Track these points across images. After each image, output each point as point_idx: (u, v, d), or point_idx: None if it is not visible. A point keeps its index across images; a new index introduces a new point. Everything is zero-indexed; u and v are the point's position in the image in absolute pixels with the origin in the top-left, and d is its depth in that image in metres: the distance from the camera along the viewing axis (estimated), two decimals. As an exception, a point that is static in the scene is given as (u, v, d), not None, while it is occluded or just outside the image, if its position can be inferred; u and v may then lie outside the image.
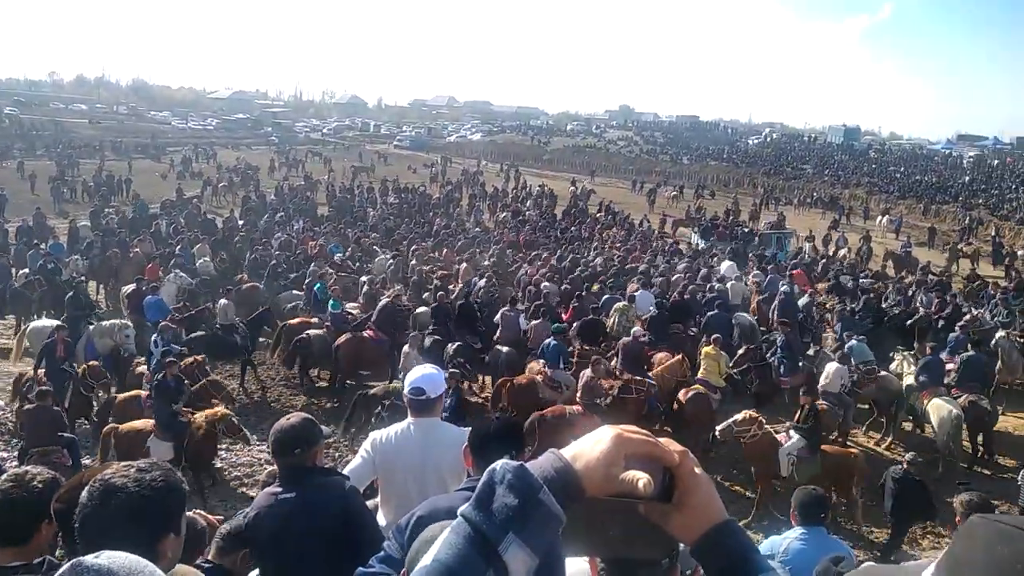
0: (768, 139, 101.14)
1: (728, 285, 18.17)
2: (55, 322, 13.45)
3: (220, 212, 32.51)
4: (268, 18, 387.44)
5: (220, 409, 10.13)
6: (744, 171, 61.34)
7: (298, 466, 3.48)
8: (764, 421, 10.09)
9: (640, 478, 0.99)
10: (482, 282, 17.41)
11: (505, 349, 13.17)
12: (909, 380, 12.54)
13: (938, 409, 11.28)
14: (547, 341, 12.61)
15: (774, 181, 54.40)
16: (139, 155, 53.92)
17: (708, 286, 17.96)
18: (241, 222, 27.27)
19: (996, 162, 73.07)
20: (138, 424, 9.97)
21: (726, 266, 20.96)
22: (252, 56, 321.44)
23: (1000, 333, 14.83)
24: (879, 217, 38.50)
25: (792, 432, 9.88)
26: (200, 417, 9.82)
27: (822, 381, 11.94)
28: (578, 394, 10.86)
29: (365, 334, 13.74)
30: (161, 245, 22.25)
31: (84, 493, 2.01)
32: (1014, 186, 53.28)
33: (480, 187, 43.86)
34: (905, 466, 8.76)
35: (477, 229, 28.40)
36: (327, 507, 3.41)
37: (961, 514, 4.65)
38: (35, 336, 13.54)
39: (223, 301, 14.60)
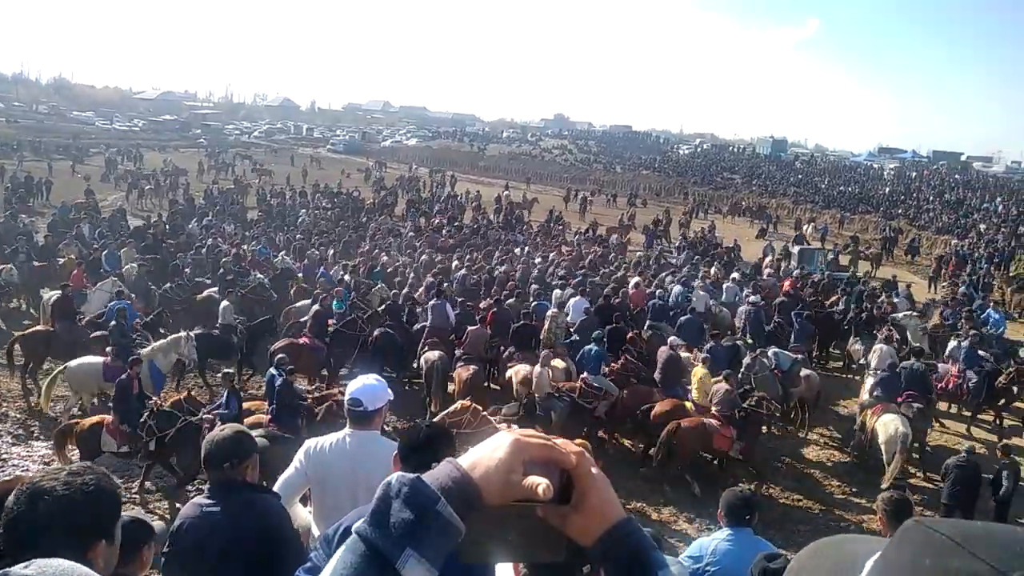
0: (699, 149, 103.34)
1: (694, 295, 18.35)
2: (98, 359, 12.07)
3: (146, 216, 31.58)
4: (198, 17, 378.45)
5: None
6: (675, 180, 62.55)
7: (227, 480, 3.40)
8: (480, 409, 10.29)
9: (539, 483, 0.98)
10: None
11: (436, 355, 13.08)
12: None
13: (886, 427, 11.46)
14: (587, 348, 12.74)
15: (704, 190, 55.59)
16: (60, 156, 51.94)
17: (658, 292, 18.36)
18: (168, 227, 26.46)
19: (914, 174, 76.20)
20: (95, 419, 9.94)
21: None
22: (181, 56, 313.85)
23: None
24: (805, 226, 39.67)
25: None
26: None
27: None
28: (715, 407, 11.21)
29: (301, 340, 13.76)
30: (86, 250, 21.36)
31: (11, 497, 1.90)
32: (931, 197, 55.61)
33: (416, 192, 43.68)
34: (965, 455, 9.75)
35: (411, 234, 28.18)
36: (250, 524, 3.33)
37: (882, 512, 4.76)
38: (78, 377, 11.97)
39: (224, 303, 14.85)
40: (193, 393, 11.86)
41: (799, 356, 14.16)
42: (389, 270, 20.11)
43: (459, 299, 16.37)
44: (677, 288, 19.14)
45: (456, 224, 31.21)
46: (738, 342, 15.19)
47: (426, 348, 13.58)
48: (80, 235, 23.24)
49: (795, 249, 29.28)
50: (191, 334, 13.02)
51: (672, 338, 13.47)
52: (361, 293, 17.28)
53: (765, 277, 23.36)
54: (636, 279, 20.05)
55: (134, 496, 9.74)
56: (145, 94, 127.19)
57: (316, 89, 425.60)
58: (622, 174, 67.45)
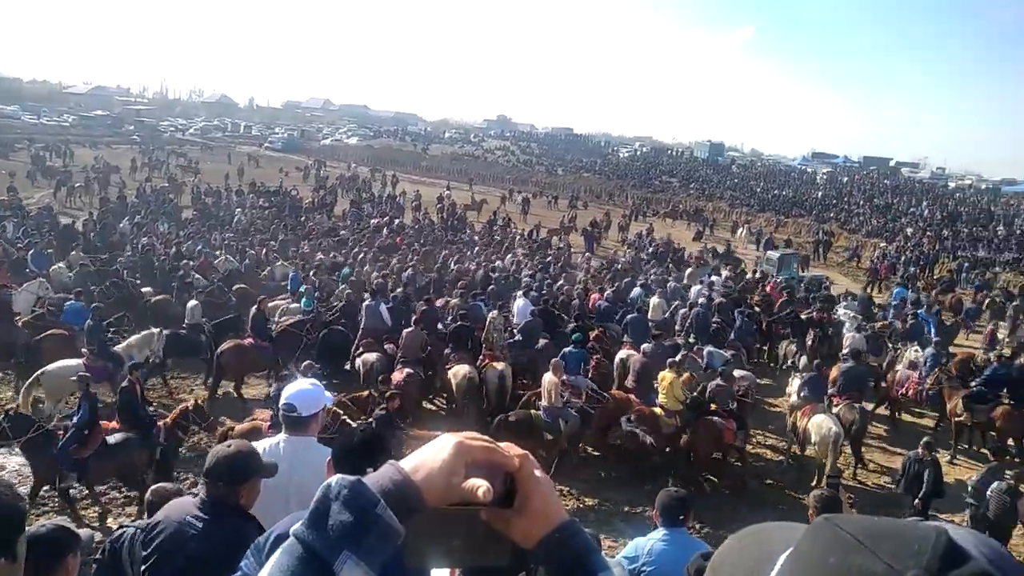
0: (638, 152, 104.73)
1: (652, 300, 18.63)
2: (77, 361, 11.74)
3: (75, 214, 30.58)
4: (133, 10, 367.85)
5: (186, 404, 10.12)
6: (615, 183, 63.30)
7: (218, 498, 3.28)
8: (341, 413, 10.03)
9: (480, 486, 0.99)
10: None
11: (375, 356, 12.95)
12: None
13: (819, 427, 11.68)
14: (568, 349, 12.86)
15: (643, 193, 56.34)
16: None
17: (606, 293, 18.75)
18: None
19: (846, 179, 78.54)
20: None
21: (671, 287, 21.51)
22: (114, 50, 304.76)
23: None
24: (740, 229, 40.53)
25: None
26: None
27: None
28: (713, 404, 11.64)
29: (246, 341, 13.67)
30: (11, 248, 20.52)
31: None
32: (861, 201, 57.40)
33: (357, 192, 43.25)
34: (920, 450, 10.13)
35: (344, 233, 27.84)
36: (221, 549, 3.16)
37: (813, 508, 4.88)
38: (54, 382, 11.53)
39: (192, 302, 14.93)
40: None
41: (732, 354, 14.49)
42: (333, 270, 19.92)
43: (413, 301, 16.39)
44: (636, 290, 19.57)
45: (397, 224, 31.01)
46: (679, 341, 15.46)
47: (361, 350, 13.45)
48: (3, 234, 22.41)
49: (775, 255, 30.02)
50: (163, 331, 13.40)
51: (646, 345, 13.62)
52: (326, 292, 17.41)
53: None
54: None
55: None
56: (75, 88, 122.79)
57: (255, 86, 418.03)
58: (564, 176, 67.99)
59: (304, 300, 16.02)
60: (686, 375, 12.29)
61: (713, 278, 22.51)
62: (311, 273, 19.01)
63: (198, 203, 34.32)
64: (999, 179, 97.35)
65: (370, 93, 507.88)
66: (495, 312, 14.99)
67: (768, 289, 22.42)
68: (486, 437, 1.08)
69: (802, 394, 12.52)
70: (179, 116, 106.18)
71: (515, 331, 15.02)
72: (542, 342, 14.45)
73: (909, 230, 43.40)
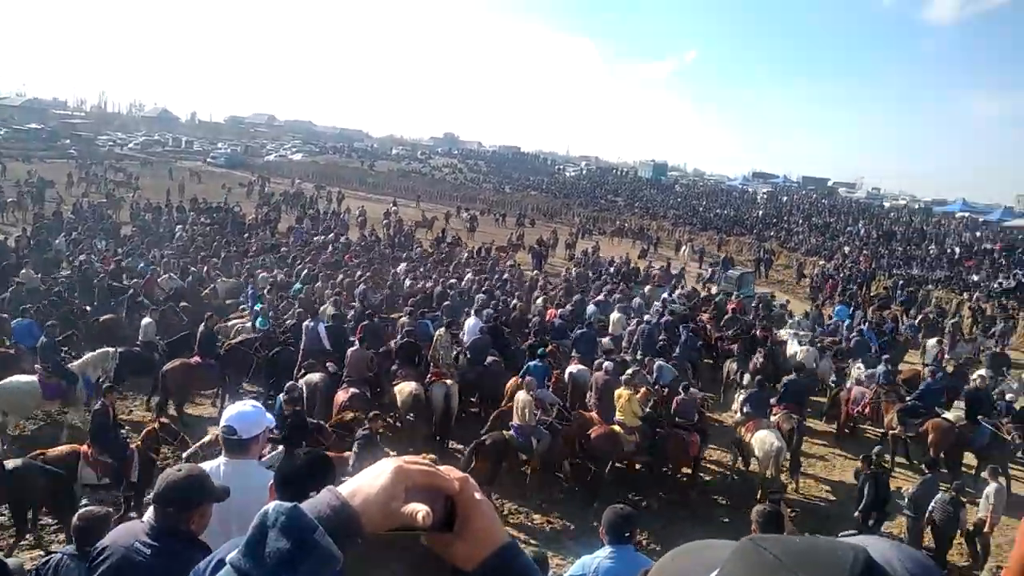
0: (584, 171, 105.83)
1: (613, 315, 19.12)
2: (29, 377, 11.58)
3: (7, 230, 29.56)
4: (70, 20, 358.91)
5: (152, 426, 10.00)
6: (562, 201, 63.83)
7: (168, 525, 3.17)
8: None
9: (419, 510, 0.99)
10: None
11: (318, 377, 12.73)
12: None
13: (762, 442, 11.92)
14: (531, 363, 13.10)
15: (589, 212, 56.93)
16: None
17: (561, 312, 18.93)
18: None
19: (785, 198, 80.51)
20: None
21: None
22: (50, 61, 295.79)
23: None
24: (682, 247, 41.25)
25: None
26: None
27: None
28: (679, 417, 12.12)
29: (192, 360, 13.36)
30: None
31: None
32: (800, 220, 58.88)
33: (301, 208, 42.76)
34: (872, 467, 10.39)
35: (286, 250, 27.40)
36: None
37: (755, 524, 4.93)
38: (11, 398, 11.35)
39: (146, 320, 14.88)
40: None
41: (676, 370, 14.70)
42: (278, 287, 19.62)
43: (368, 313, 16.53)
44: (591, 308, 19.77)
45: (343, 241, 30.73)
46: (626, 357, 15.62)
47: (304, 371, 13.24)
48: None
49: (735, 273, 30.56)
50: (117, 350, 13.27)
51: (607, 363, 13.46)
52: (281, 311, 17.18)
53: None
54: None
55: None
56: (8, 100, 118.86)
57: (197, 100, 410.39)
58: (511, 194, 68.26)
59: (259, 320, 15.86)
60: (643, 390, 12.42)
61: (667, 295, 23.12)
62: (264, 291, 18.75)
63: (137, 219, 33.48)
64: (930, 199, 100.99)
65: (315, 109, 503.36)
66: (442, 330, 14.97)
67: (733, 307, 22.66)
68: (426, 460, 1.08)
69: (745, 409, 12.75)
70: (118, 130, 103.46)
71: (464, 349, 14.99)
72: (490, 359, 14.51)
73: (847, 248, 44.66)
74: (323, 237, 30.88)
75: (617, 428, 11.71)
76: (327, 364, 13.32)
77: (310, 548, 0.91)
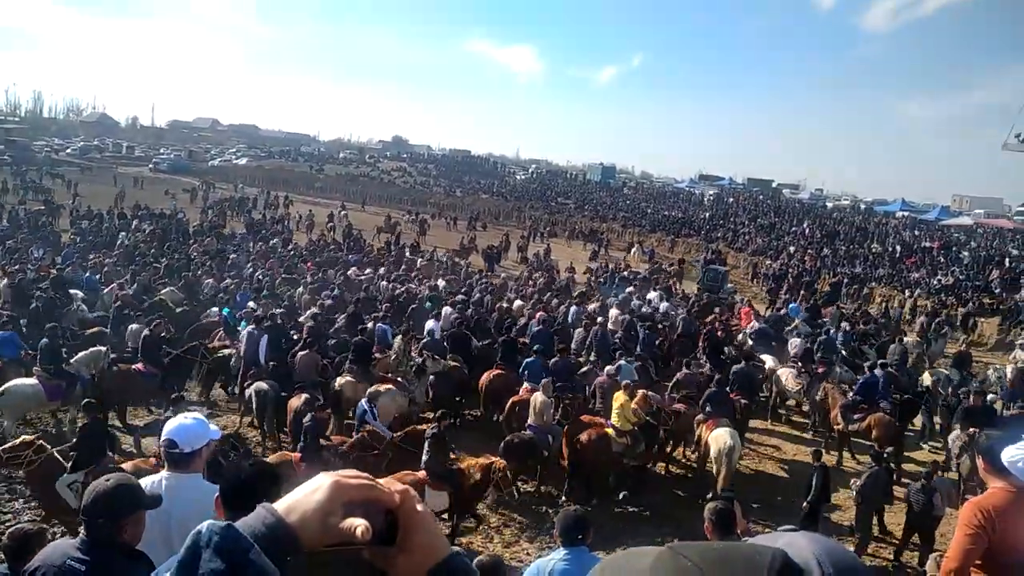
0: (534, 175, 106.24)
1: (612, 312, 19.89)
2: (30, 380, 11.78)
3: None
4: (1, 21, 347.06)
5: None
6: (513, 204, 64.00)
7: (100, 537, 3.06)
8: (45, 445, 9.20)
9: (358, 525, 0.96)
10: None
11: (266, 385, 12.51)
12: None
13: (717, 440, 12.07)
14: (528, 359, 13.85)
15: (540, 215, 57.20)
16: None
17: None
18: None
19: (731, 200, 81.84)
20: None
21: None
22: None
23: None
24: (633, 248, 41.70)
25: None
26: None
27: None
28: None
29: (134, 367, 13.10)
30: None
31: None
32: (746, 221, 59.94)
33: (247, 214, 42.13)
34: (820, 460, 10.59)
35: (235, 257, 26.98)
36: None
37: (708, 521, 4.97)
38: (14, 401, 11.49)
39: (134, 326, 14.77)
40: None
41: (639, 366, 14.83)
42: (221, 292, 19.32)
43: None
44: (573, 308, 20.11)
45: (289, 247, 30.35)
46: (579, 358, 15.80)
47: (249, 380, 13.03)
48: None
49: (722, 269, 31.22)
50: (109, 350, 13.56)
51: (608, 367, 13.95)
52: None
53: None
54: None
55: None
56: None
57: (137, 105, 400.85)
58: (462, 198, 68.27)
59: (243, 323, 15.84)
60: (640, 394, 12.54)
61: (652, 295, 24.01)
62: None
63: (76, 227, 32.60)
64: (872, 199, 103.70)
65: (260, 113, 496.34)
66: (399, 338, 14.87)
67: (745, 311, 22.98)
68: (364, 475, 1.06)
69: (706, 408, 12.95)
70: (55, 136, 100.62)
71: (422, 352, 14.91)
72: (450, 363, 14.63)
73: (792, 248, 45.59)
74: (263, 245, 30.33)
75: (609, 431, 11.85)
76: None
77: (245, 568, 0.88)
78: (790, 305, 25.38)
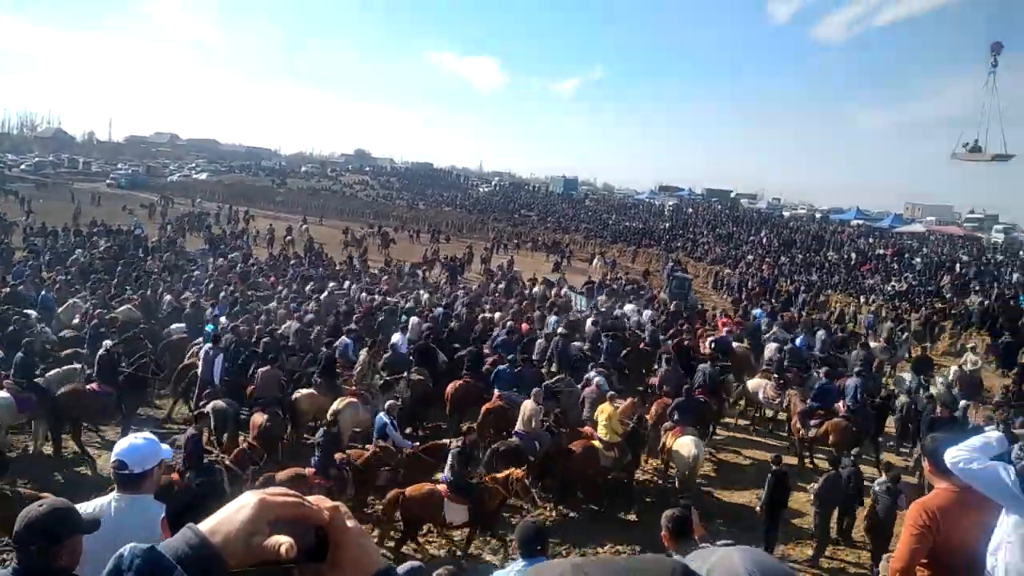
0: (497, 187, 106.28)
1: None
2: (4, 393, 11.96)
3: None
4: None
5: None
6: (476, 217, 63.98)
7: (33, 567, 2.92)
8: None
9: (282, 543, 0.97)
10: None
11: (223, 403, 12.31)
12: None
13: (681, 448, 12.25)
14: (501, 367, 14.26)
15: (503, 227, 57.26)
16: None
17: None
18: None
19: (690, 210, 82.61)
20: None
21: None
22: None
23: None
24: (595, 259, 41.92)
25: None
26: None
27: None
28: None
29: (88, 387, 12.79)
30: None
31: None
32: (705, 231, 60.57)
33: (207, 229, 41.55)
34: (775, 466, 10.68)
35: (197, 272, 26.54)
36: None
37: (665, 528, 5.02)
38: None
39: (107, 342, 14.06)
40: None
41: (604, 375, 14.93)
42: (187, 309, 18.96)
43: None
44: (552, 319, 20.35)
45: (251, 262, 29.97)
46: (542, 369, 15.95)
47: (205, 400, 12.84)
48: None
49: (688, 276, 31.27)
50: (84, 367, 13.55)
51: (599, 379, 14.13)
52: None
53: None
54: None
55: None
56: None
57: (93, 120, 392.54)
58: (425, 210, 68.07)
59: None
60: (625, 404, 12.62)
61: (629, 306, 24.47)
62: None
63: (30, 243, 31.81)
64: (827, 208, 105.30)
65: (220, 127, 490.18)
66: (364, 351, 14.80)
67: (723, 322, 23.08)
68: (291, 492, 1.06)
69: (674, 417, 13.06)
70: (8, 151, 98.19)
71: (385, 365, 14.88)
72: (415, 377, 14.67)
73: (750, 257, 46.14)
74: (224, 260, 29.89)
75: (596, 443, 11.93)
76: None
77: None
78: (755, 311, 25.69)
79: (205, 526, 0.99)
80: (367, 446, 11.38)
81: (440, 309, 20.85)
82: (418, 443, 11.83)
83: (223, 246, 35.11)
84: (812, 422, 14.11)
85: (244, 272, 26.80)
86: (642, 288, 30.97)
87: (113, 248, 30.94)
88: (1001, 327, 25.05)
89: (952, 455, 3.70)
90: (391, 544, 9.84)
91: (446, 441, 11.07)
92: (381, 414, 11.48)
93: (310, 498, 1.07)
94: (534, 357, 16.36)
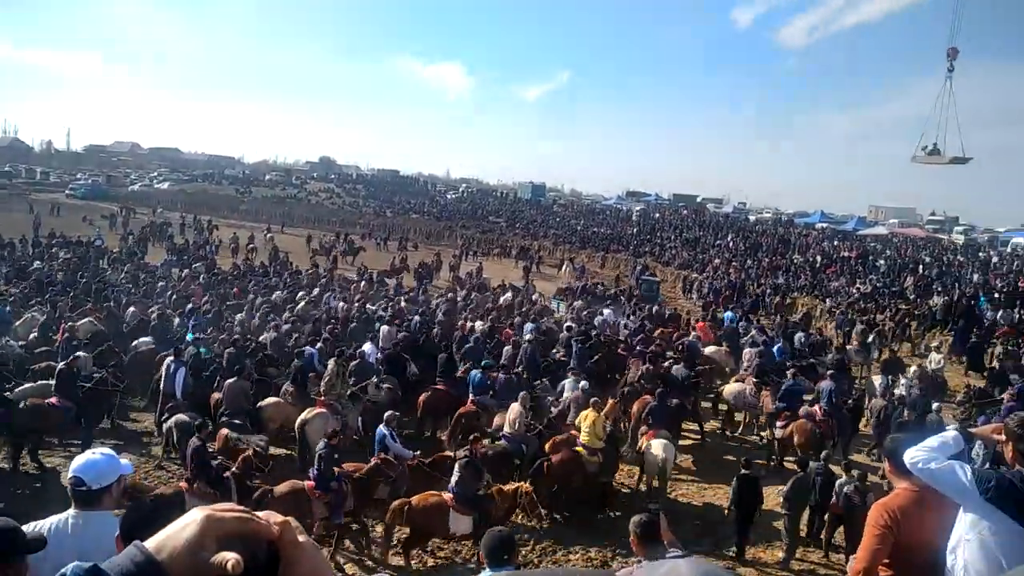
0: (465, 194, 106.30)
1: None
2: None
3: None
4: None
5: None
6: (444, 224, 63.94)
7: None
8: None
9: (228, 559, 0.95)
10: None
11: (186, 418, 12.15)
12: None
13: (650, 452, 12.39)
14: (473, 373, 14.62)
15: (472, 234, 57.28)
16: None
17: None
18: None
19: (657, 215, 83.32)
20: None
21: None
22: None
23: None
24: (564, 265, 42.09)
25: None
26: None
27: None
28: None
29: (48, 401, 12.60)
30: None
31: None
32: (672, 236, 61.08)
33: (169, 239, 41.02)
34: (743, 470, 10.84)
35: (161, 283, 26.14)
36: None
37: (634, 534, 5.02)
38: None
39: (80, 354, 14.11)
40: None
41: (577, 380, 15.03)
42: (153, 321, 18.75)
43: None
44: (529, 324, 20.50)
45: (214, 272, 29.61)
46: (512, 375, 15.96)
47: (167, 414, 12.72)
48: None
49: (655, 279, 31.51)
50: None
51: (583, 383, 14.21)
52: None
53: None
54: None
55: None
56: None
57: (51, 129, 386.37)
58: (392, 218, 67.87)
59: (202, 349, 15.88)
60: (611, 403, 12.72)
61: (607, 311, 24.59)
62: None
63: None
64: (793, 212, 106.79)
65: (182, 135, 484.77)
66: (332, 361, 14.72)
67: (699, 326, 23.36)
68: (240, 507, 1.05)
69: (649, 420, 13.17)
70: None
71: (351, 373, 14.81)
72: (385, 385, 14.73)
73: (716, 261, 46.59)
74: (187, 271, 29.49)
75: (580, 450, 11.93)
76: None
77: None
78: (726, 314, 25.99)
79: (151, 543, 0.98)
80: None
81: (417, 318, 20.81)
82: (419, 451, 11.86)
83: (186, 256, 34.64)
84: (779, 423, 14.26)
85: (205, 283, 26.48)
86: (622, 292, 31.16)
87: (73, 260, 30.38)
88: (965, 328, 25.48)
89: (910, 455, 3.73)
90: (397, 554, 9.87)
91: (450, 453, 11.09)
92: (380, 426, 11.48)
93: (260, 513, 1.05)
94: (502, 363, 16.40)
